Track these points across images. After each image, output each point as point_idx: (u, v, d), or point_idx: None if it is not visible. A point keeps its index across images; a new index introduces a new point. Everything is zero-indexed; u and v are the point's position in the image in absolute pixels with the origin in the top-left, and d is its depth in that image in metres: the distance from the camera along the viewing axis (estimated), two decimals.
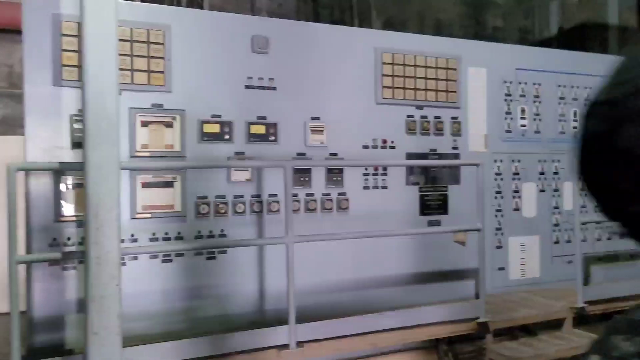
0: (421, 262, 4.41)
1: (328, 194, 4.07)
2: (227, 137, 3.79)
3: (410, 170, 4.38)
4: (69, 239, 3.34)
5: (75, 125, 3.34)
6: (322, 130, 4.08)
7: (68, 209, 3.35)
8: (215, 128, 3.76)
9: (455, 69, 4.55)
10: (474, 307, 3.91)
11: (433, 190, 4.45)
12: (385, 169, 4.29)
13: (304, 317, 3.50)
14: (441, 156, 4.49)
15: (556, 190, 4.96)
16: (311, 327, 3.41)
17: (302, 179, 3.99)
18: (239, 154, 3.82)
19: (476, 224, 3.95)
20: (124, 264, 3.37)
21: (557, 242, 4.95)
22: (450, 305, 3.93)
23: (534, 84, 4.89)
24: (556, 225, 4.95)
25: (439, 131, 4.49)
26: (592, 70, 5.14)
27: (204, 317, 3.64)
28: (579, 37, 6.90)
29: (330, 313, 3.78)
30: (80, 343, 2.99)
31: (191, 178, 3.67)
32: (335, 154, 4.12)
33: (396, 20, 7.12)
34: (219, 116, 3.77)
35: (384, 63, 4.31)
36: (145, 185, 3.55)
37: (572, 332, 4.20)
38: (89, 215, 2.58)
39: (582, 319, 4.46)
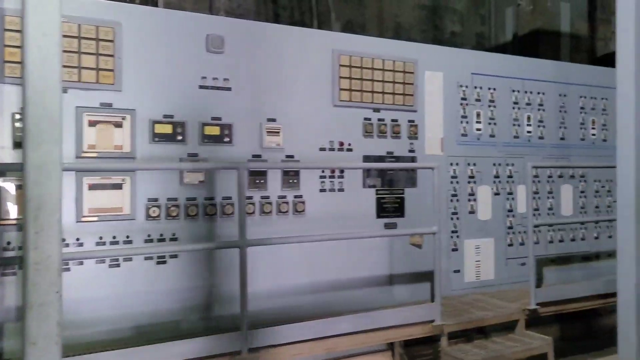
0: (378, 265, 4.40)
1: (284, 197, 4.01)
2: (179, 138, 3.69)
3: (367, 172, 4.37)
4: (8, 243, 3.18)
5: (17, 124, 3.18)
6: (278, 132, 4.02)
7: (9, 211, 3.19)
8: (167, 129, 3.65)
9: (412, 73, 4.57)
10: (429, 310, 3.92)
11: (390, 193, 4.45)
12: (342, 171, 4.26)
13: (259, 322, 3.44)
14: (398, 159, 4.50)
15: (510, 193, 5.04)
16: (265, 332, 3.35)
17: (257, 181, 3.91)
18: (192, 156, 3.72)
19: (432, 227, 3.96)
20: (68, 269, 3.25)
21: (511, 245, 5.03)
22: (406, 309, 3.92)
23: (489, 88, 4.96)
24: (510, 227, 5.03)
25: (396, 134, 4.50)
26: (544, 76, 5.27)
27: (153, 324, 3.52)
28: (532, 43, 7.06)
29: (286, 317, 3.73)
30: (18, 353, 2.84)
31: (141, 180, 3.54)
32: (291, 156, 4.07)
33: (356, 23, 7.13)
34: (172, 116, 3.67)
35: (342, 65, 4.29)
36: (93, 187, 3.41)
37: (525, 333, 4.25)
38: (27, 219, 2.44)
39: (535, 321, 4.54)
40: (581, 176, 5.45)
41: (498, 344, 4.05)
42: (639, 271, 4.24)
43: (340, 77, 4.28)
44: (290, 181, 4.05)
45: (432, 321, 3.90)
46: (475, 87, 4.90)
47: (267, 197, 3.95)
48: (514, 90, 5.09)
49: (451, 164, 4.76)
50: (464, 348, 3.99)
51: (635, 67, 4.30)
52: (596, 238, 5.47)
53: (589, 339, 5.23)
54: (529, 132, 5.16)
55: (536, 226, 4.78)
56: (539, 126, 5.22)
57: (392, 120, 4.49)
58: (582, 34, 7.48)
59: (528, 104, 5.17)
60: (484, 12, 7.84)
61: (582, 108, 5.49)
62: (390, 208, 4.46)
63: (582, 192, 5.45)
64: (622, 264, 4.28)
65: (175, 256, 3.62)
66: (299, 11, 6.99)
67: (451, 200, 4.75)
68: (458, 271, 4.76)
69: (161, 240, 3.59)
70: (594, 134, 5.55)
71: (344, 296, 4.22)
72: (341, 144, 4.28)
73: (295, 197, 4.07)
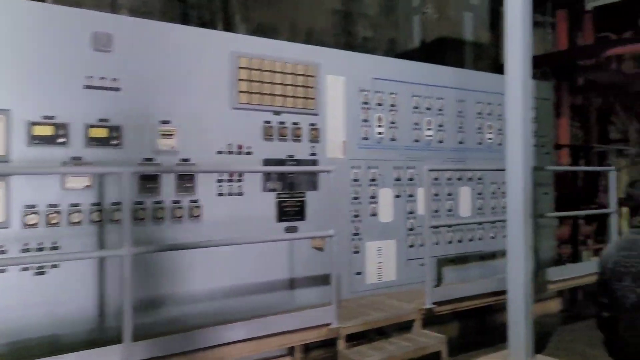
0: (279, 269, 4.36)
1: (178, 202, 3.89)
2: (61, 140, 3.48)
3: (268, 176, 4.33)
4: None
5: None
6: (172, 135, 3.90)
7: None
8: (47, 130, 3.44)
9: (313, 76, 4.58)
10: (326, 313, 3.93)
11: (290, 196, 4.43)
12: (241, 175, 4.20)
13: (150, 333, 3.31)
14: (299, 162, 4.49)
15: (411, 195, 5.16)
16: (150, 344, 3.22)
17: (149, 186, 3.77)
18: (76, 159, 3.53)
19: (329, 230, 3.98)
20: None
21: (412, 246, 5.15)
22: (302, 313, 3.91)
23: (391, 93, 5.07)
24: (411, 229, 5.15)
25: (297, 137, 4.49)
26: (443, 82, 5.45)
27: (29, 340, 3.29)
28: (438, 50, 7.32)
29: (181, 327, 3.62)
30: None
31: (17, 185, 3.32)
32: (187, 160, 3.95)
33: (267, 26, 7.09)
34: (52, 117, 3.46)
35: (241, 67, 4.22)
36: None
37: (421, 333, 4.36)
38: None
39: (434, 319, 4.67)
40: (479, 178, 5.68)
41: (394, 344, 4.12)
42: (527, 269, 4.47)
43: (240, 80, 4.22)
44: (186, 185, 3.93)
45: (329, 324, 3.92)
46: (377, 92, 4.98)
47: (160, 203, 3.81)
48: (414, 95, 5.23)
49: (353, 168, 4.81)
50: (361, 350, 4.03)
51: (522, 74, 4.54)
52: (492, 238, 5.71)
53: (485, 334, 5.46)
54: (429, 136, 5.32)
55: (435, 227, 4.93)
56: (438, 130, 5.39)
57: (294, 124, 4.48)
58: (485, 42, 7.84)
59: (428, 109, 5.32)
60: (394, 18, 8.04)
61: (479, 113, 5.73)
62: (291, 212, 4.44)
63: (479, 193, 5.69)
64: (511, 263, 4.50)
65: (56, 266, 3.41)
66: (208, 12, 6.86)
67: (353, 203, 4.80)
68: (360, 273, 4.82)
69: (40, 249, 3.37)
70: (490, 138, 5.80)
71: (244, 302, 4.15)
72: (240, 147, 4.21)
73: (191, 201, 3.96)
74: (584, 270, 5.79)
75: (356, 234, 4.82)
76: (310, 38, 7.45)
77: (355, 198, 4.82)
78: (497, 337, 5.15)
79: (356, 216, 4.82)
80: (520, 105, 4.47)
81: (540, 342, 5.05)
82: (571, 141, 9.62)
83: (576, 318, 5.99)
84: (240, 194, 4.19)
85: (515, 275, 4.46)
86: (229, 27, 6.58)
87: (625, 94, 10.37)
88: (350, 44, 7.77)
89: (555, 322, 5.76)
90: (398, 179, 5.09)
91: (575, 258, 7.95)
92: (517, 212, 4.45)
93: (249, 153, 4.24)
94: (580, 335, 5.38)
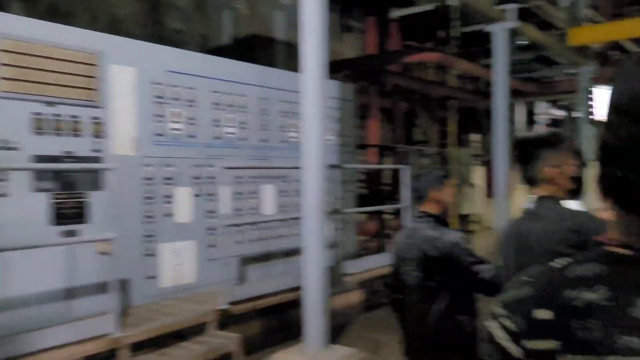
0: (59, 277, 3.91)
1: None
2: None
3: (40, 175, 3.85)
4: None
5: None
6: None
7: None
8: None
9: (95, 65, 4.19)
10: (104, 322, 3.60)
11: (68, 197, 4.00)
12: (4, 173, 3.67)
13: None
14: (80, 160, 4.07)
15: (211, 194, 5.00)
16: None
17: None
18: None
19: (109, 232, 3.66)
20: None
21: (213, 246, 5.00)
22: (77, 323, 3.53)
23: (189, 87, 4.86)
24: (212, 229, 4.99)
25: (76, 132, 4.07)
26: (247, 79, 5.40)
27: None
28: (250, 47, 7.28)
29: None
30: None
31: None
32: None
33: (61, 10, 6.42)
34: None
35: (3, 51, 3.69)
36: None
37: (214, 334, 4.23)
38: None
39: (234, 319, 4.58)
40: (283, 177, 5.72)
41: (184, 348, 3.94)
42: (321, 264, 4.59)
43: (2, 64, 3.68)
44: None
45: (109, 334, 3.60)
46: (173, 86, 4.74)
47: None
48: (215, 91, 5.08)
49: (145, 165, 4.51)
50: (147, 358, 3.78)
51: (316, 74, 4.65)
52: (296, 235, 5.78)
53: (289, 330, 5.52)
54: (230, 133, 5.22)
55: (234, 226, 4.85)
56: (241, 128, 5.31)
57: (72, 117, 4.05)
58: (296, 42, 7.99)
59: (230, 106, 5.22)
60: (207, 12, 7.83)
61: (283, 112, 5.77)
62: (70, 214, 4.01)
63: (284, 191, 5.74)
64: (306, 258, 4.58)
65: None
66: None
67: (145, 203, 4.50)
68: (154, 277, 4.54)
69: None
70: (294, 137, 5.88)
71: (16, 316, 3.64)
72: (2, 142, 3.68)
73: None
74: (383, 261, 6.15)
75: (150, 236, 4.53)
76: (114, 26, 6.91)
77: (149, 198, 4.53)
78: (300, 331, 5.25)
79: (149, 217, 4.53)
80: (315, 104, 4.58)
81: (338, 332, 5.24)
82: (382, 142, 10.32)
83: (375, 307, 6.35)
84: (3, 195, 3.67)
85: (310, 269, 4.56)
86: (5, 7, 5.80)
87: (427, 99, 11.42)
88: (160, 35, 7.38)
89: (355, 312, 6.04)
90: (197, 177, 4.90)
91: (381, 250, 8.49)
92: (311, 209, 4.55)
93: (13, 149, 3.73)
94: (375, 323, 5.69)
